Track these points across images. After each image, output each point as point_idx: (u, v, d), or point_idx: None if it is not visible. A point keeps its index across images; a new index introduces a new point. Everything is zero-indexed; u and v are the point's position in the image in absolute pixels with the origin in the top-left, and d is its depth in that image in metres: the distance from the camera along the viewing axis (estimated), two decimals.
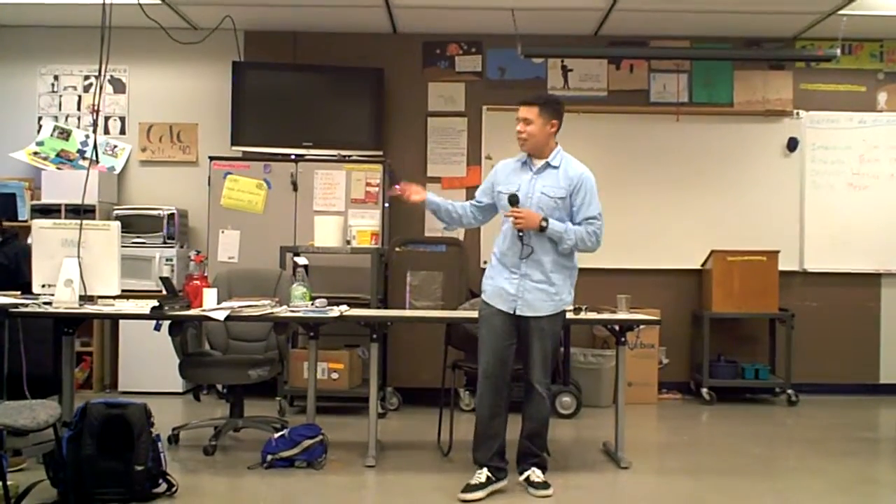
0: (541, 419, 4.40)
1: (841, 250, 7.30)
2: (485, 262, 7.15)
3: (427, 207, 4.51)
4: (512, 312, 4.28)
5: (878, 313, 7.34)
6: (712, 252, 6.97)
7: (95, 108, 7.02)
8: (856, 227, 7.29)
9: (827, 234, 7.30)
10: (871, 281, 7.35)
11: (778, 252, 6.92)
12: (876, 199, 7.32)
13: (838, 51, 6.77)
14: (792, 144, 7.31)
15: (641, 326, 5.56)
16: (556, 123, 4.35)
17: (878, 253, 7.29)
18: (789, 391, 6.85)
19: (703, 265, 7.15)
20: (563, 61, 7.38)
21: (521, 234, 4.23)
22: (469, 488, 4.17)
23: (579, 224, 4.30)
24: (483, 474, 4.23)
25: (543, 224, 4.20)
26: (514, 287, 4.27)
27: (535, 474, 4.32)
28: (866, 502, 4.42)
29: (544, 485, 4.28)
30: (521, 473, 4.35)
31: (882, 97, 7.43)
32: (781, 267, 6.93)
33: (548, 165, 4.34)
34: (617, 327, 4.93)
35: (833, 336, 7.27)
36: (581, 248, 4.32)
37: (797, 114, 7.35)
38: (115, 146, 7.37)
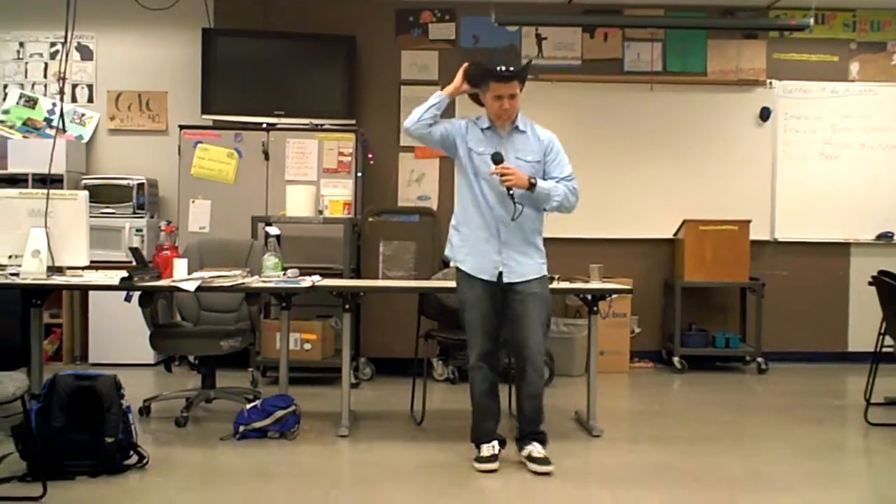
0: (540, 393, 4.24)
1: (812, 220, 7.35)
2: None
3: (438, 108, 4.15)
4: (496, 281, 4.14)
5: (847, 282, 7.40)
6: (684, 221, 7.00)
7: (62, 75, 6.89)
8: (827, 197, 7.34)
9: (798, 204, 7.34)
10: (841, 250, 7.41)
11: (749, 221, 6.96)
12: (847, 168, 7.36)
13: (811, 20, 6.76)
14: (764, 114, 7.32)
15: (614, 296, 5.57)
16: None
17: (848, 222, 7.34)
18: (759, 359, 6.92)
19: (675, 234, 7.18)
20: (537, 29, 7.33)
21: (510, 192, 4.04)
22: (485, 460, 4.12)
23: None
24: (494, 446, 4.17)
25: (532, 181, 4.07)
26: (496, 251, 4.14)
27: (537, 450, 4.18)
28: (833, 468, 4.48)
29: (545, 460, 4.12)
30: (521, 450, 4.22)
31: (854, 67, 7.45)
32: (753, 236, 6.97)
33: (516, 130, 4.21)
34: (589, 296, 4.93)
35: (803, 305, 7.34)
36: (564, 207, 4.20)
37: (770, 83, 7.36)
38: (83, 114, 7.25)
